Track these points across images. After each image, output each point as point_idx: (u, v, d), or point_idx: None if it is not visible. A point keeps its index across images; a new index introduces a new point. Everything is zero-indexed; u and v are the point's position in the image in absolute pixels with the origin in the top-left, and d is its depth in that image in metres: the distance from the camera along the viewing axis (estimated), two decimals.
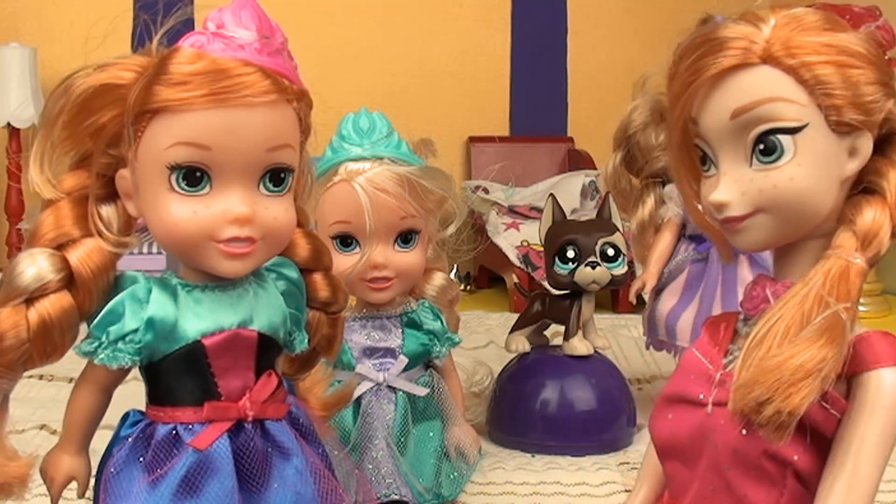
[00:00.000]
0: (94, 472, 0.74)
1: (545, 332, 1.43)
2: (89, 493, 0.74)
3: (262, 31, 0.66)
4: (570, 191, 2.62)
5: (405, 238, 1.09)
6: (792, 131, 0.62)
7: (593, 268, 1.28)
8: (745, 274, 1.33)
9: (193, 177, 0.66)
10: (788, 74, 0.62)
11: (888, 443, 0.60)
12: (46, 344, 0.67)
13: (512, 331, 1.40)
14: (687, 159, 0.69)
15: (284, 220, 0.69)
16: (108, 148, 0.68)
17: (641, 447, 1.24)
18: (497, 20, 3.18)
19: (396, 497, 1.02)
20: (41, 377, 1.62)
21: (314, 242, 0.79)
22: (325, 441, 0.78)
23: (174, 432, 0.69)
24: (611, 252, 1.29)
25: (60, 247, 0.67)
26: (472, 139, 3.11)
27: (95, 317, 0.69)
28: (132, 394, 0.75)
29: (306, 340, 0.76)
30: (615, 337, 2.03)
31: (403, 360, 1.12)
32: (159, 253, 2.19)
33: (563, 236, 1.30)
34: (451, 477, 1.13)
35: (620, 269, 1.30)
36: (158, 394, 0.71)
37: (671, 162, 0.71)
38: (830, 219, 0.64)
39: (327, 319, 0.80)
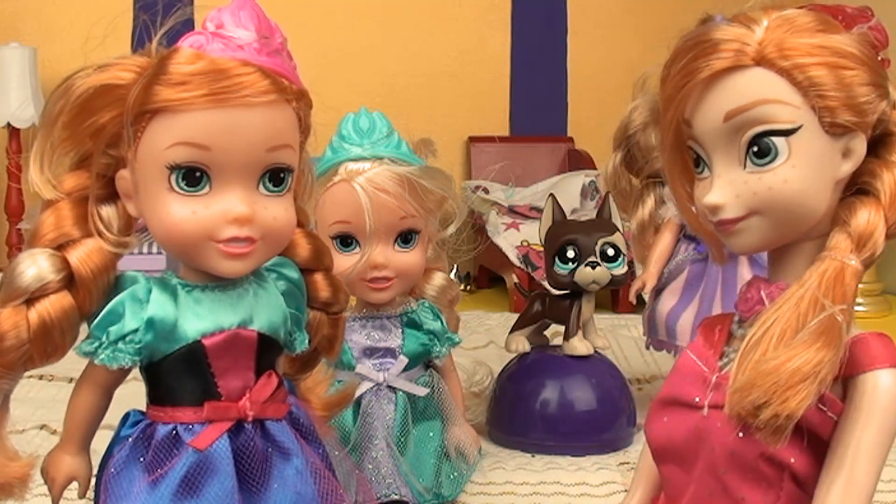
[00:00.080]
0: (94, 471, 0.74)
1: (545, 332, 1.43)
2: (90, 494, 0.74)
3: (261, 31, 0.66)
4: (570, 191, 2.62)
5: (405, 238, 1.09)
6: (786, 133, 0.62)
7: (593, 268, 1.28)
8: (745, 274, 1.32)
9: (193, 177, 0.66)
10: (782, 76, 0.62)
11: (885, 444, 0.60)
12: (47, 344, 0.67)
13: (512, 331, 1.40)
14: (680, 161, 0.69)
15: (284, 220, 0.69)
16: (108, 148, 0.69)
17: (641, 447, 1.24)
18: (497, 20, 3.18)
19: (396, 497, 1.02)
20: (41, 377, 1.62)
21: (315, 242, 0.79)
22: (326, 441, 0.78)
23: (174, 432, 0.69)
24: (611, 252, 1.29)
25: (61, 247, 0.67)
26: (472, 139, 3.11)
27: (96, 317, 0.69)
28: (132, 393, 0.75)
29: (307, 341, 0.76)
30: (615, 337, 2.03)
31: (403, 360, 1.12)
32: (159, 253, 2.18)
33: (563, 236, 1.30)
34: (451, 477, 1.13)
35: (620, 269, 1.30)
36: (159, 394, 0.71)
37: (664, 164, 0.70)
38: (825, 220, 0.64)
39: (328, 320, 0.80)
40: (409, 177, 1.06)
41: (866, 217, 0.62)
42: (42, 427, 1.36)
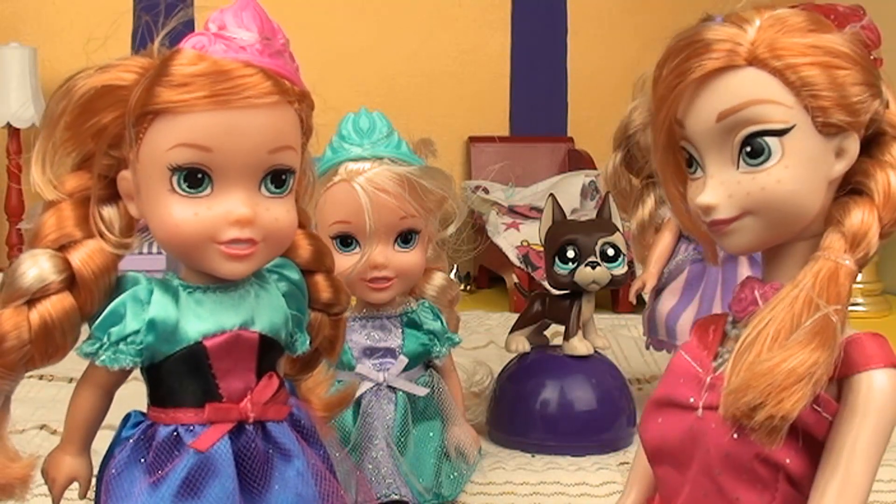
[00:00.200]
0: (95, 472, 0.74)
1: (545, 332, 1.43)
2: (90, 494, 0.74)
3: (263, 32, 0.66)
4: (570, 191, 2.62)
5: (405, 238, 1.09)
6: (779, 133, 0.61)
7: (593, 268, 1.28)
8: (746, 274, 1.32)
9: (195, 178, 0.66)
10: (774, 76, 0.61)
11: (880, 444, 0.60)
12: (48, 345, 0.67)
13: (512, 331, 1.40)
14: (673, 161, 0.68)
15: (286, 222, 0.69)
16: (109, 149, 0.68)
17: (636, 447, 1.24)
18: (497, 20, 3.18)
19: (396, 497, 1.02)
20: (41, 377, 1.62)
21: (316, 244, 0.79)
22: (327, 442, 0.78)
23: (175, 434, 0.69)
24: (611, 252, 1.29)
25: (62, 248, 0.67)
26: (472, 139, 3.11)
27: (97, 318, 0.68)
28: (133, 394, 0.75)
29: (308, 342, 0.76)
30: (615, 337, 2.03)
31: (403, 360, 1.12)
32: (159, 253, 2.18)
33: (563, 236, 1.30)
34: (451, 477, 1.13)
35: (620, 269, 1.30)
36: (160, 395, 0.71)
37: (657, 164, 0.70)
38: (818, 220, 0.64)
39: (329, 321, 0.80)
40: (409, 177, 1.06)
41: (860, 217, 0.62)
42: (42, 427, 1.36)
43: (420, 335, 1.14)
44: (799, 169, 0.62)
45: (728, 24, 0.63)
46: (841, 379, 0.61)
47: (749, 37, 0.62)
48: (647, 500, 0.75)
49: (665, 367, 0.72)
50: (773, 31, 0.62)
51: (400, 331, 1.13)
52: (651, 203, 1.40)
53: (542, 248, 1.36)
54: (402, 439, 1.10)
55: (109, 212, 0.70)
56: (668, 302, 1.42)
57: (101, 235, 0.69)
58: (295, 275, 0.76)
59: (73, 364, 0.71)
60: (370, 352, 1.12)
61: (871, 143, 0.64)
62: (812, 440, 0.61)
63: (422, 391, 1.13)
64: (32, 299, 0.66)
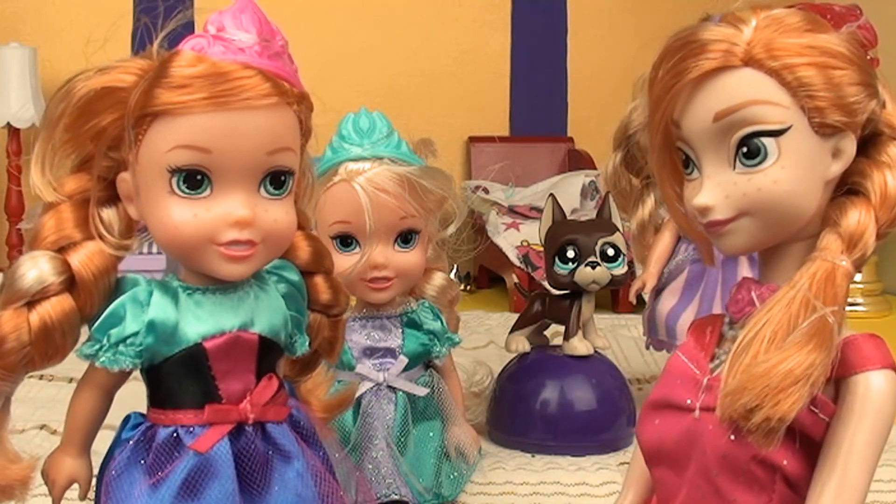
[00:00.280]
0: (95, 472, 0.74)
1: (545, 332, 1.43)
2: (91, 495, 0.74)
3: (262, 34, 0.66)
4: (570, 191, 2.62)
5: (405, 238, 1.09)
6: (775, 134, 0.61)
7: (593, 268, 1.28)
8: (745, 273, 1.32)
9: (194, 180, 0.66)
10: (770, 76, 0.61)
11: (877, 445, 0.60)
12: (48, 347, 0.67)
13: (512, 331, 1.40)
14: (669, 162, 0.68)
15: (285, 223, 0.69)
16: (109, 151, 0.68)
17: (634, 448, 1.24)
18: (497, 20, 3.19)
19: (396, 497, 1.03)
20: (41, 377, 1.62)
21: (315, 245, 0.79)
22: (326, 443, 0.78)
23: (175, 435, 0.69)
24: (611, 252, 1.29)
25: (62, 250, 0.67)
26: (472, 139, 3.11)
27: (96, 319, 0.68)
28: (133, 394, 0.75)
29: (307, 343, 0.76)
30: (615, 337, 2.03)
31: (403, 360, 1.12)
32: (159, 253, 2.18)
33: (563, 236, 1.30)
34: (451, 477, 1.13)
35: (620, 269, 1.30)
36: (159, 396, 0.71)
37: (653, 165, 0.70)
38: (815, 221, 0.63)
39: (328, 322, 0.80)
40: (409, 177, 1.06)
41: (857, 217, 0.62)
42: (42, 427, 1.36)
43: (420, 335, 1.14)
44: (795, 169, 0.62)
45: (724, 25, 0.63)
46: (838, 380, 0.61)
47: (745, 37, 0.62)
48: (644, 501, 0.75)
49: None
50: (770, 31, 0.62)
51: (400, 331, 1.13)
52: (651, 203, 1.40)
53: (542, 248, 1.36)
54: (402, 439, 1.10)
55: (109, 213, 0.70)
56: (668, 302, 1.42)
57: (101, 237, 0.69)
58: (294, 276, 0.76)
59: (72, 364, 0.71)
60: (370, 352, 1.12)
61: (868, 144, 0.64)
62: (809, 441, 0.61)
63: (422, 391, 1.13)
64: (32, 301, 0.66)
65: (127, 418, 0.73)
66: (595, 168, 2.85)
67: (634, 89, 1.38)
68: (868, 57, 0.64)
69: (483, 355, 1.73)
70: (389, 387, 1.11)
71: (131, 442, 0.71)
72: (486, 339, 2.04)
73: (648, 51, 0.67)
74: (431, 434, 1.13)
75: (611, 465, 1.23)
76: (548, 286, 1.38)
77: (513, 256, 2.51)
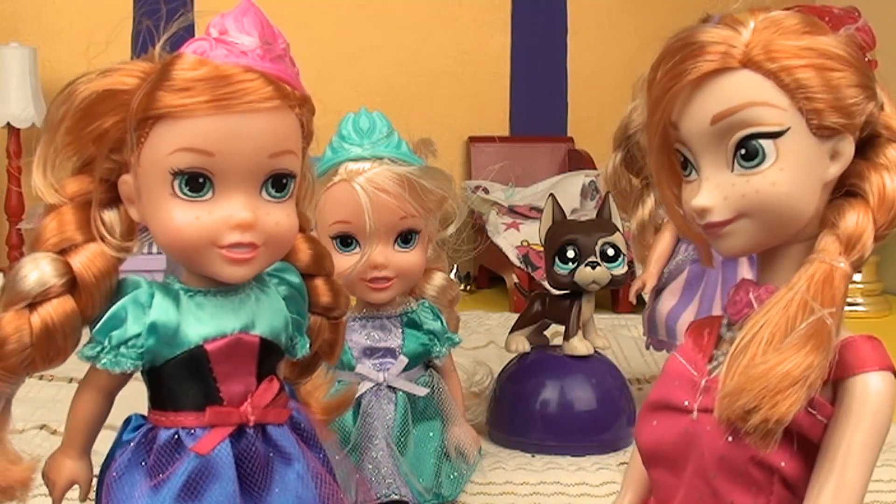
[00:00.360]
0: (95, 472, 0.74)
1: (545, 332, 1.43)
2: (91, 496, 0.74)
3: (264, 37, 0.66)
4: (570, 191, 2.62)
5: (405, 238, 1.09)
6: (773, 136, 0.61)
7: (593, 268, 1.28)
8: (746, 274, 1.32)
9: (196, 182, 0.66)
10: (769, 78, 0.61)
11: (875, 447, 0.60)
12: (49, 348, 0.67)
13: (512, 331, 1.40)
14: (667, 163, 0.68)
15: (286, 226, 0.69)
16: (110, 153, 0.69)
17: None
18: (497, 20, 3.19)
19: (396, 497, 1.03)
20: (41, 377, 1.62)
21: (315, 247, 0.79)
22: (326, 445, 0.78)
23: (176, 437, 0.69)
24: (611, 252, 1.29)
25: (63, 251, 0.68)
26: (472, 139, 3.11)
27: (98, 321, 0.69)
28: (133, 393, 0.75)
29: (308, 345, 0.76)
30: (615, 337, 2.03)
31: (403, 360, 1.12)
32: (159, 253, 2.18)
33: (563, 236, 1.30)
34: (451, 477, 1.13)
35: (620, 269, 1.30)
36: (160, 398, 0.71)
37: (651, 166, 0.69)
38: (813, 223, 0.63)
39: (329, 324, 0.80)
40: (409, 177, 1.06)
41: (855, 219, 0.62)
42: (42, 427, 1.36)
43: (420, 335, 1.14)
44: (793, 171, 0.61)
45: (722, 27, 0.63)
46: (836, 382, 0.61)
47: (744, 39, 0.62)
48: (642, 502, 0.75)
49: None
50: (768, 33, 0.62)
51: (400, 331, 1.13)
52: (651, 203, 1.40)
53: (542, 248, 1.36)
54: (402, 439, 1.10)
55: (110, 215, 0.70)
56: (668, 302, 1.42)
57: (102, 239, 0.69)
58: (295, 278, 0.76)
59: (73, 364, 0.71)
60: (370, 352, 1.12)
61: (866, 146, 0.64)
62: (807, 443, 0.61)
63: (422, 391, 1.13)
64: (34, 303, 0.66)
65: (128, 420, 0.73)
66: (595, 168, 2.85)
67: (634, 89, 1.38)
68: (866, 59, 0.64)
69: (483, 355, 1.73)
70: (389, 387, 1.11)
71: (132, 444, 0.71)
72: (486, 339, 2.04)
73: (648, 51, 0.67)
74: (431, 434, 1.14)
75: (611, 465, 1.23)
76: (548, 286, 1.38)
77: (513, 256, 2.51)
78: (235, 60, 0.65)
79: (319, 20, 2.99)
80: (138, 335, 0.68)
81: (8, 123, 2.60)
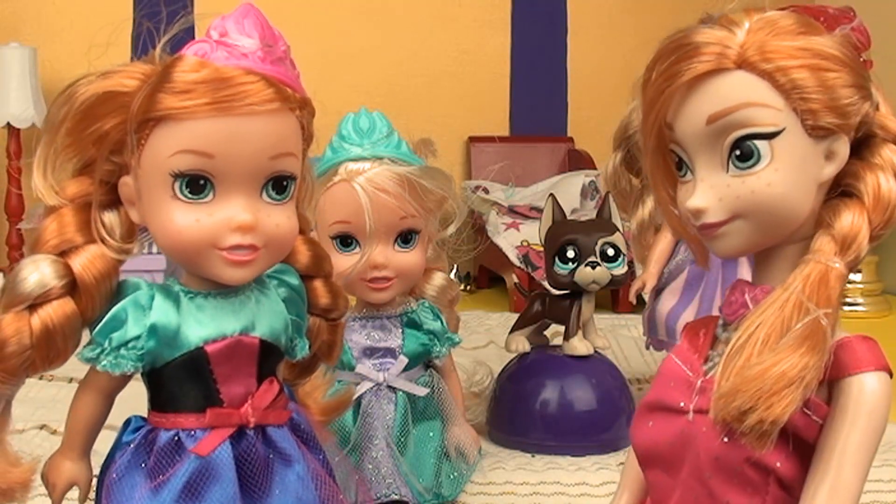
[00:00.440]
0: (95, 473, 0.74)
1: (545, 332, 1.43)
2: (91, 496, 0.74)
3: (264, 39, 0.66)
4: (570, 191, 2.62)
5: (405, 238, 1.09)
6: (768, 136, 0.61)
7: (593, 268, 1.28)
8: (745, 274, 1.32)
9: (196, 185, 0.66)
10: (764, 79, 0.61)
11: (870, 447, 0.60)
12: (49, 350, 0.67)
13: (512, 331, 1.40)
14: (662, 164, 0.68)
15: (286, 228, 0.69)
16: (111, 155, 0.69)
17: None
18: (497, 20, 3.19)
19: (396, 497, 1.03)
20: (41, 377, 1.62)
21: (315, 249, 0.79)
22: (326, 446, 0.78)
23: (176, 438, 0.69)
24: (611, 252, 1.29)
25: (63, 253, 0.68)
26: (472, 139, 3.11)
27: (98, 323, 0.69)
28: (134, 394, 0.75)
29: (307, 347, 0.76)
30: (615, 337, 2.03)
31: (403, 360, 1.12)
32: (159, 253, 2.18)
33: (563, 236, 1.30)
34: (451, 477, 1.13)
35: (620, 269, 1.30)
36: (161, 400, 0.71)
37: (647, 167, 0.69)
38: (809, 223, 0.63)
39: (327, 326, 0.80)
40: (409, 177, 1.06)
41: (850, 219, 0.62)
42: (42, 427, 1.36)
43: (420, 335, 1.14)
44: (789, 172, 0.61)
45: (717, 27, 0.63)
46: (831, 382, 0.61)
47: (738, 40, 0.62)
48: (639, 502, 0.75)
49: None
50: (763, 33, 0.61)
51: (400, 331, 1.13)
52: (651, 203, 1.40)
53: (542, 248, 1.36)
54: (402, 439, 1.10)
55: (110, 217, 0.70)
56: (668, 302, 1.42)
57: (103, 241, 0.69)
58: (294, 280, 0.76)
59: (73, 364, 0.71)
60: (370, 352, 1.12)
61: (861, 146, 0.64)
62: (802, 443, 0.61)
63: (422, 391, 1.13)
64: (34, 304, 0.66)
65: (127, 422, 0.73)
66: (595, 168, 2.85)
67: (634, 89, 1.37)
68: (861, 59, 0.64)
69: (483, 355, 1.73)
70: (389, 387, 1.11)
71: (132, 445, 0.71)
72: (486, 339, 2.04)
73: (648, 50, 0.67)
74: (431, 434, 1.14)
75: (611, 465, 1.23)
76: (548, 286, 1.38)
77: (513, 256, 2.51)
78: (236, 63, 0.65)
79: (319, 20, 2.99)
80: (138, 337, 0.68)
81: (8, 123, 2.60)
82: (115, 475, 0.70)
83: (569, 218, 1.38)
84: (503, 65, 3.20)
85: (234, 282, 0.69)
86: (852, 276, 2.46)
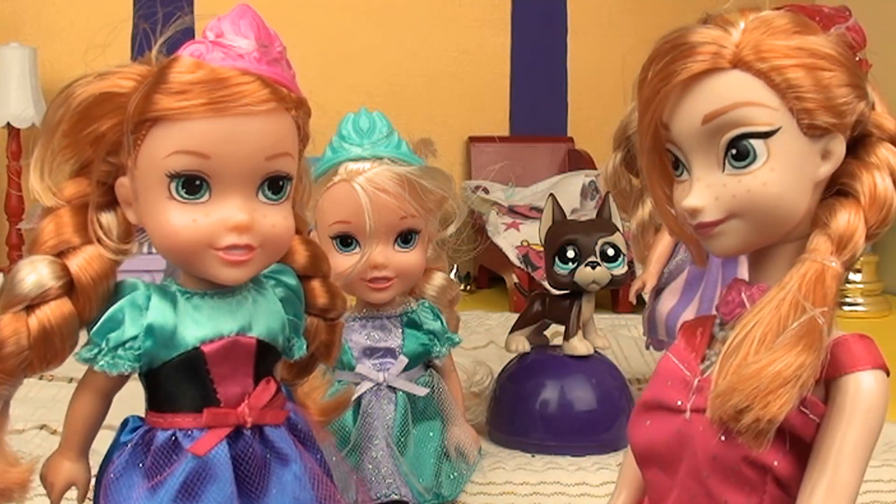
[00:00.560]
0: (94, 471, 0.74)
1: (545, 332, 1.43)
2: (90, 497, 0.74)
3: (260, 39, 0.66)
4: (570, 191, 2.62)
5: (405, 238, 1.09)
6: (764, 135, 0.61)
7: (593, 268, 1.28)
8: (745, 274, 1.32)
9: (193, 185, 0.66)
10: (759, 78, 0.61)
11: (868, 446, 0.60)
12: (47, 351, 0.67)
13: (512, 331, 1.40)
14: (659, 164, 0.68)
15: (283, 228, 0.70)
16: (108, 156, 0.69)
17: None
18: (497, 20, 3.19)
19: (396, 497, 1.03)
20: (41, 377, 1.62)
21: (312, 249, 0.79)
22: (324, 446, 0.78)
23: (173, 438, 0.70)
24: (611, 252, 1.29)
25: (61, 254, 0.68)
26: (472, 139, 3.11)
27: (95, 323, 0.69)
28: (133, 394, 0.75)
29: (305, 347, 0.76)
30: (615, 337, 2.03)
31: (403, 360, 1.12)
32: (157, 253, 2.18)
33: (563, 236, 1.30)
34: (451, 477, 1.13)
35: (620, 269, 1.30)
36: (158, 400, 0.71)
37: (643, 167, 0.69)
38: (805, 222, 0.63)
39: (325, 326, 0.80)
40: (409, 177, 1.06)
41: (846, 218, 0.62)
42: (42, 427, 1.36)
43: (420, 335, 1.14)
44: (785, 171, 0.61)
45: (713, 27, 0.63)
46: (828, 381, 0.61)
47: (734, 39, 0.62)
48: (636, 502, 0.75)
49: None
50: (758, 33, 0.61)
51: (400, 331, 1.13)
52: (651, 203, 1.40)
53: (542, 248, 1.36)
54: (402, 439, 1.10)
55: (108, 218, 0.70)
56: (668, 302, 1.42)
57: (100, 241, 0.69)
58: (292, 280, 0.76)
59: (73, 364, 0.71)
60: (370, 352, 1.12)
61: (857, 145, 0.64)
62: (799, 442, 0.61)
63: (422, 391, 1.13)
64: (31, 305, 0.66)
65: (125, 422, 0.73)
66: (595, 168, 2.85)
67: (634, 89, 1.38)
68: (857, 58, 0.64)
69: (483, 355, 1.73)
70: (389, 387, 1.11)
71: (130, 445, 0.71)
72: (486, 339, 2.04)
73: (647, 50, 0.67)
74: (431, 434, 1.13)
75: (611, 465, 1.23)
76: (548, 286, 1.38)
77: (513, 256, 2.51)
78: (232, 63, 0.65)
79: (319, 20, 2.99)
80: (135, 337, 0.68)
81: (8, 123, 2.60)
82: (112, 475, 0.70)
83: (569, 218, 1.38)
84: (503, 65, 3.20)
85: (231, 282, 0.69)
86: (852, 276, 2.46)
